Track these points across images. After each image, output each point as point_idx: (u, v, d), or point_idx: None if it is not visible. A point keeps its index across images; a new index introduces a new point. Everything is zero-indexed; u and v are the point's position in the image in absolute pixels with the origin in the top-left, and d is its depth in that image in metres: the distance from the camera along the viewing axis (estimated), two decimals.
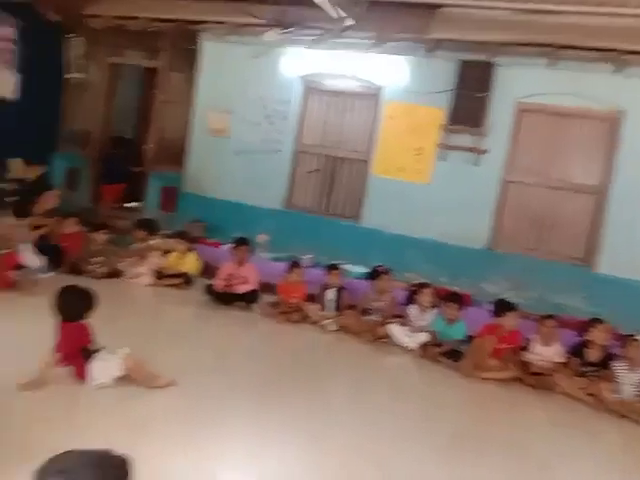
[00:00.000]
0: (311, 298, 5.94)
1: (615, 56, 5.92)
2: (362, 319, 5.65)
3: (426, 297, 5.59)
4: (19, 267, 5.31)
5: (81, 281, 4.15)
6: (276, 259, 6.73)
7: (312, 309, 5.81)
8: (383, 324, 5.54)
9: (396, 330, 5.45)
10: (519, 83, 6.40)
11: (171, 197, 8.04)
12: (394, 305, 5.78)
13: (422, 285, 5.77)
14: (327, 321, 5.68)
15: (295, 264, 6.10)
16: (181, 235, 6.68)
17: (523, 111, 6.50)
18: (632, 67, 5.94)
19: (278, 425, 3.32)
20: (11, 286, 5.05)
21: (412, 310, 5.63)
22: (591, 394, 4.62)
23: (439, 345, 5.24)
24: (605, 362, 4.83)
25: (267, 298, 6.03)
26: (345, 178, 7.41)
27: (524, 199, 6.60)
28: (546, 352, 5.08)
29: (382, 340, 5.46)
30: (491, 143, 6.54)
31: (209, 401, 3.49)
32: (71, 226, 6.48)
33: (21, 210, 6.24)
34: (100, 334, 3.50)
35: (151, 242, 6.68)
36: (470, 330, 5.30)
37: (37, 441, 2.58)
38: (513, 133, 6.54)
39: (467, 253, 6.53)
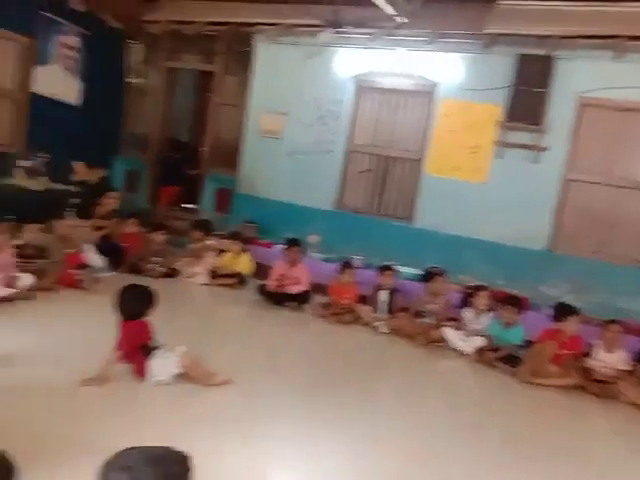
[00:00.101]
0: (363, 299, 5.90)
1: None
2: (415, 322, 5.56)
3: (482, 300, 5.44)
4: (82, 266, 5.53)
5: (140, 280, 4.28)
6: (327, 260, 6.74)
7: (364, 310, 5.78)
8: (437, 327, 5.44)
9: (451, 334, 5.34)
10: (581, 77, 6.15)
11: (225, 198, 8.20)
12: (448, 308, 5.66)
13: (478, 288, 5.62)
14: (379, 323, 5.64)
15: (347, 265, 6.08)
16: (235, 236, 6.80)
17: (585, 106, 6.24)
18: None
19: (329, 426, 3.30)
20: (75, 285, 5.26)
21: (467, 313, 5.50)
22: None
23: (495, 350, 5.09)
24: None
25: (319, 299, 6.04)
26: (397, 178, 7.32)
27: (586, 198, 6.34)
28: (610, 359, 4.85)
29: (435, 343, 5.36)
30: (551, 140, 6.32)
31: (262, 399, 3.52)
32: (131, 227, 6.70)
33: (84, 212, 6.53)
34: (157, 332, 3.59)
35: (207, 242, 6.83)
36: (528, 335, 5.13)
37: (99, 436, 2.66)
38: (574, 129, 6.29)
39: (525, 254, 6.33)
